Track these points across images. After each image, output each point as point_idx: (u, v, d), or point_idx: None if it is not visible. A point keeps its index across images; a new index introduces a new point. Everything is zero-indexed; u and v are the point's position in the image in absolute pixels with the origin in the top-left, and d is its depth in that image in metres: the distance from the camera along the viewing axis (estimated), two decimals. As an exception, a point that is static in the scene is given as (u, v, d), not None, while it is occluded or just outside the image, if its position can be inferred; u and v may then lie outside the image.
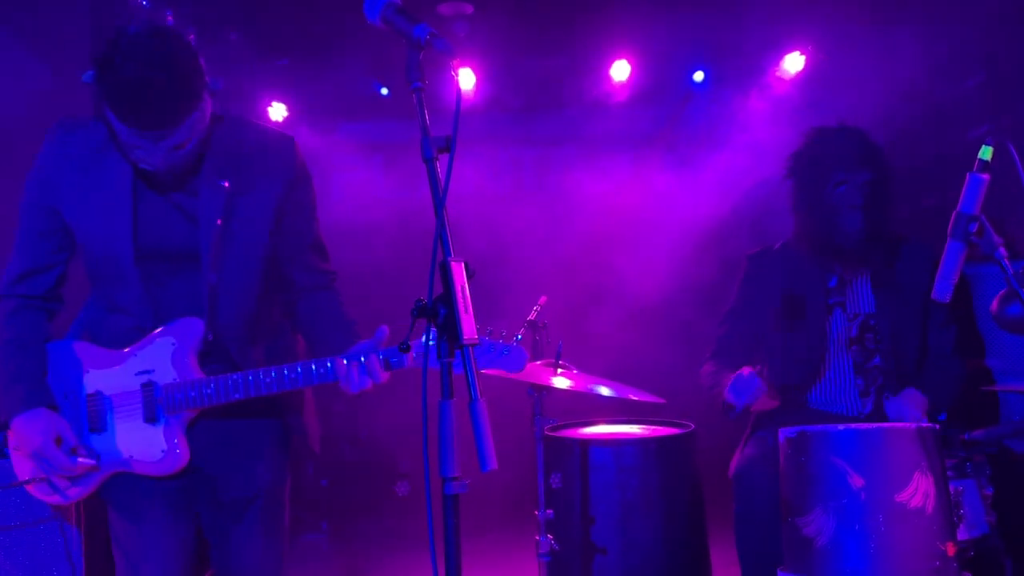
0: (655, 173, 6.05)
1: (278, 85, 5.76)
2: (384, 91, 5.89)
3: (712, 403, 3.07)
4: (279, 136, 2.38)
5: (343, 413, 6.08)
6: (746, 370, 2.95)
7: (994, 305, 2.24)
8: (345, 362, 2.18)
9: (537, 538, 2.86)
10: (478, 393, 1.62)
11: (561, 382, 2.89)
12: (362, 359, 2.17)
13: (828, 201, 3.03)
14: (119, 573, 2.34)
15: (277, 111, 5.85)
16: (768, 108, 5.57)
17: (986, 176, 2.21)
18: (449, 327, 1.67)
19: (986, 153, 2.20)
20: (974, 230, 2.20)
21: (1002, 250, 2.21)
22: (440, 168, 1.76)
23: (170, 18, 4.68)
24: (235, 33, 5.27)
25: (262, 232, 2.32)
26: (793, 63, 5.55)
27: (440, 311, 1.68)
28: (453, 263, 1.69)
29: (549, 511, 2.88)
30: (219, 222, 2.24)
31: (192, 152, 2.17)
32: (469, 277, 1.70)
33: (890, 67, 4.72)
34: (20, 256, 2.34)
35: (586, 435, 3.33)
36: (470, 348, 1.65)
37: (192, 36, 5.00)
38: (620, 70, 5.71)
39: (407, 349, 1.80)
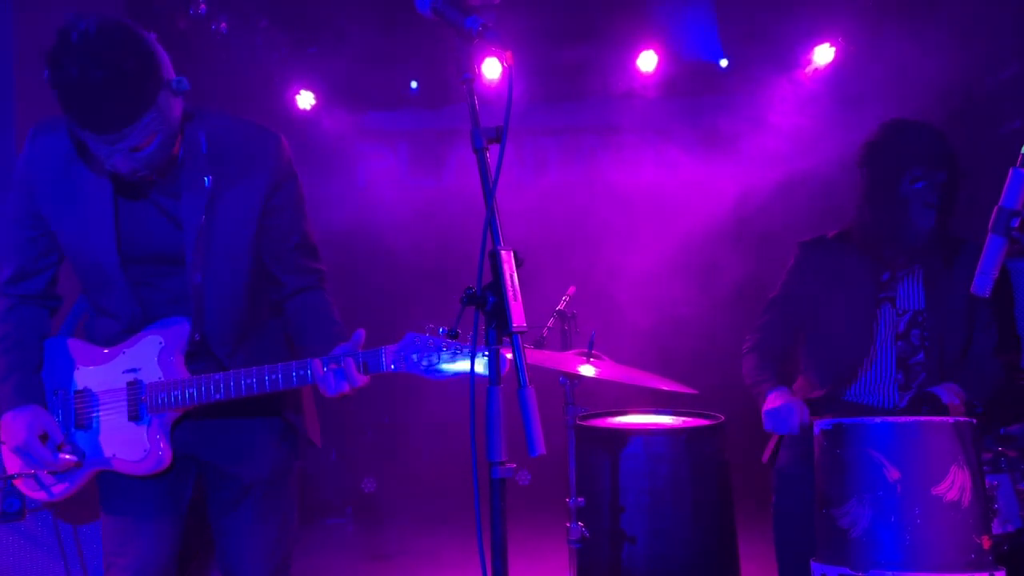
0: (684, 162, 6.04)
1: (307, 73, 5.78)
2: (413, 84, 5.90)
3: (753, 399, 3.07)
4: (264, 133, 2.27)
5: (366, 399, 6.12)
6: (780, 399, 2.94)
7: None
8: (322, 365, 2.12)
9: (567, 525, 2.89)
10: (527, 379, 1.64)
11: (592, 371, 2.90)
12: (338, 363, 2.11)
13: (902, 195, 2.96)
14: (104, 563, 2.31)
15: (305, 99, 5.89)
16: (797, 100, 5.56)
17: (1030, 170, 2.20)
18: (498, 315, 1.69)
19: (1030, 147, 2.19)
20: (1016, 225, 2.19)
21: (1045, 245, 2.21)
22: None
23: (204, 7, 4.70)
24: (265, 21, 5.31)
25: (246, 232, 2.24)
26: (823, 55, 5.53)
27: (489, 299, 1.70)
28: (503, 251, 1.71)
29: (580, 498, 2.90)
30: (202, 223, 2.17)
31: (156, 154, 2.06)
32: (518, 266, 1.72)
33: (921, 60, 4.68)
34: (11, 259, 2.30)
35: (617, 424, 3.35)
36: (519, 335, 1.67)
37: (223, 24, 5.03)
38: (647, 60, 5.70)
39: (456, 336, 1.82)
